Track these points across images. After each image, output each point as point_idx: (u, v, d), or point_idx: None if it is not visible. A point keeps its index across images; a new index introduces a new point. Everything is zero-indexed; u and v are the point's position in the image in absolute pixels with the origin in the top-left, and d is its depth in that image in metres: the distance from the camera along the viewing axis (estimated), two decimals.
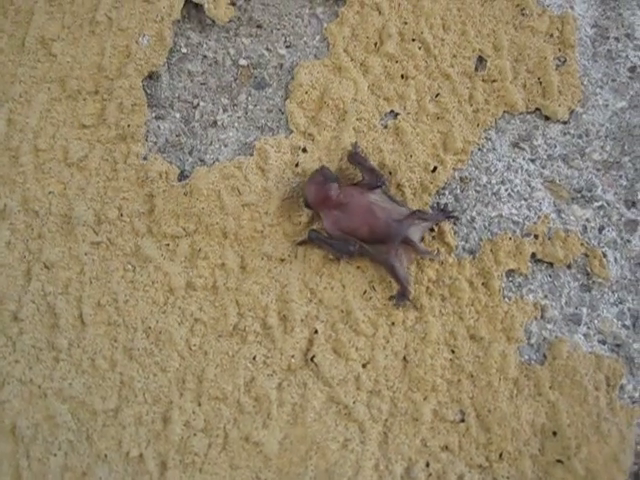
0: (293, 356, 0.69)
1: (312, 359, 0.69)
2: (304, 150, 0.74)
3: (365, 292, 0.71)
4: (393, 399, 0.69)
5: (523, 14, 0.80)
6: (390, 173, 0.74)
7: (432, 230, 0.73)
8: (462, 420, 0.68)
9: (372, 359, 0.69)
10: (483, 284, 0.72)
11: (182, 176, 0.74)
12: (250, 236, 0.72)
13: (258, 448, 0.67)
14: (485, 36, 0.79)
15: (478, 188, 0.74)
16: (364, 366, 0.69)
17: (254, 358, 0.69)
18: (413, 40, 0.78)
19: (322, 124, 0.75)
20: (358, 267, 0.71)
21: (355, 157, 0.73)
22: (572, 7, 0.81)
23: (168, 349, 0.70)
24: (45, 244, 0.73)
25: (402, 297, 0.70)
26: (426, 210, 0.72)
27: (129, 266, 0.72)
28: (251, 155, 0.75)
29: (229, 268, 0.71)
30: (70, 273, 0.72)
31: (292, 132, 0.75)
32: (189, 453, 0.67)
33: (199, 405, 0.68)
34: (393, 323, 0.70)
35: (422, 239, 0.71)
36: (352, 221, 0.68)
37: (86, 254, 0.73)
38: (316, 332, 0.70)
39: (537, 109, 0.77)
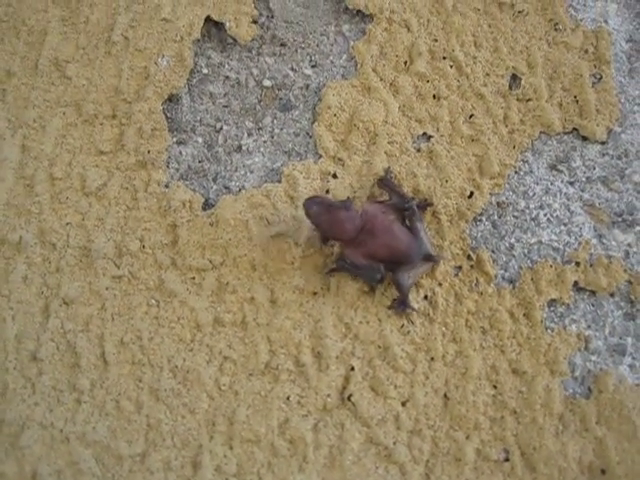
0: (329, 395, 0.66)
1: (349, 398, 0.66)
2: (334, 176, 0.71)
3: (402, 326, 0.68)
4: (434, 439, 0.65)
5: (556, 29, 0.77)
6: (425, 199, 0.70)
7: (469, 258, 0.70)
8: (506, 459, 0.65)
9: (412, 397, 0.66)
10: (524, 315, 0.68)
11: (207, 205, 0.71)
12: (280, 268, 0.69)
13: None
14: (518, 53, 0.76)
15: (516, 213, 0.71)
16: (403, 404, 0.66)
17: (288, 398, 0.66)
18: (444, 58, 0.75)
19: (352, 148, 0.72)
20: (395, 300, 0.68)
21: (385, 181, 0.70)
22: (606, 21, 0.78)
23: (196, 389, 0.66)
24: (64, 279, 0.69)
25: (401, 304, 0.67)
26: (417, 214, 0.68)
27: (153, 301, 0.69)
28: (279, 182, 0.71)
29: (259, 302, 0.68)
30: (91, 309, 0.69)
31: (321, 157, 0.72)
32: None
33: (231, 449, 0.65)
34: (432, 358, 0.67)
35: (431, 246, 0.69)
36: (372, 243, 0.66)
37: (107, 289, 0.69)
38: (352, 369, 0.66)
39: (574, 129, 0.74)
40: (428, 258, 0.67)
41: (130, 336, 0.68)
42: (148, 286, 0.69)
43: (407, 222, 0.67)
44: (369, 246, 0.66)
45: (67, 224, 0.71)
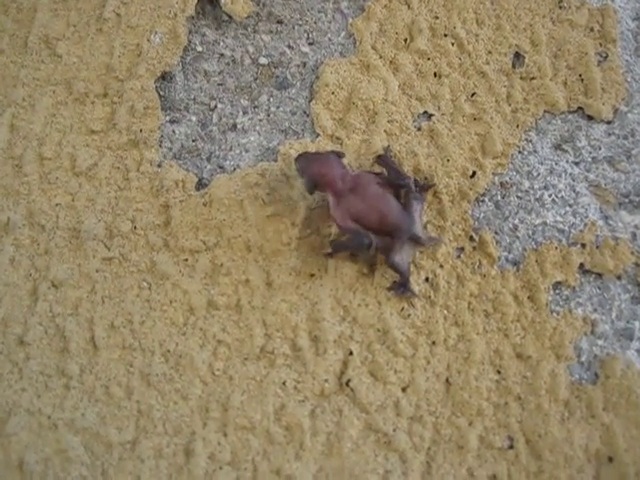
0: (326, 380, 0.64)
1: (347, 383, 0.64)
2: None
3: (403, 309, 0.65)
4: (436, 425, 0.63)
5: (561, 7, 0.75)
6: (426, 179, 0.68)
7: (472, 240, 0.67)
8: (511, 446, 0.63)
9: (412, 382, 0.64)
10: (529, 298, 0.66)
11: (200, 185, 0.69)
12: (276, 250, 0.66)
13: None
14: (522, 31, 0.74)
15: (520, 194, 0.69)
16: (404, 390, 0.64)
17: (284, 383, 0.64)
18: (445, 36, 0.73)
19: (351, 127, 0.70)
20: (395, 282, 0.66)
21: (383, 159, 0.67)
22: None
23: (189, 374, 0.64)
24: (52, 261, 0.67)
25: (401, 287, 0.65)
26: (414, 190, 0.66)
27: (144, 284, 0.66)
28: (275, 161, 0.69)
29: (254, 285, 0.66)
30: (80, 292, 0.66)
31: (318, 136, 0.70)
32: None
33: (225, 436, 0.63)
34: (434, 342, 0.65)
35: (425, 226, 0.67)
36: (363, 206, 0.63)
37: (97, 271, 0.67)
38: (351, 354, 0.64)
39: (579, 108, 0.72)
40: (415, 239, 0.64)
41: (121, 320, 0.65)
42: (140, 268, 0.67)
43: (402, 200, 0.65)
44: (359, 208, 0.63)
45: (56, 205, 0.69)
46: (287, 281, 0.66)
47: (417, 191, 0.66)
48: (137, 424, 0.63)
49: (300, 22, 0.74)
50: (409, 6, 0.74)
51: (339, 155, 0.64)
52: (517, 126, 0.71)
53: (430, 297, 0.66)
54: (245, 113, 0.71)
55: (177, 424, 0.63)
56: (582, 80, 0.72)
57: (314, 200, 0.67)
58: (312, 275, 0.66)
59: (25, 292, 0.67)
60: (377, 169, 0.68)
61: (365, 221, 0.63)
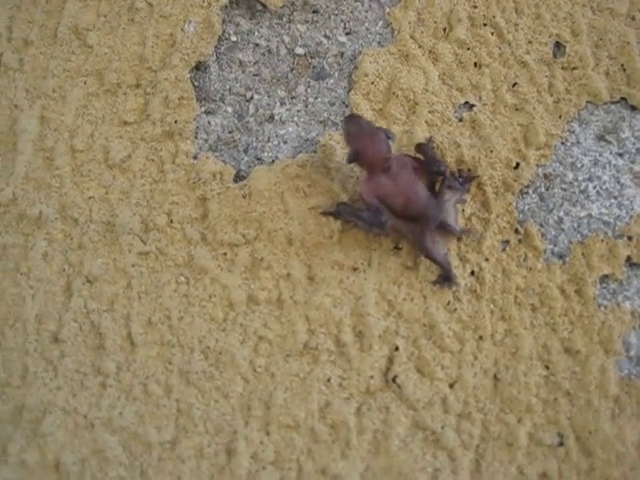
0: (372, 377, 0.62)
1: (394, 380, 0.62)
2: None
3: (449, 303, 0.64)
4: (484, 422, 0.61)
5: None
6: (469, 170, 0.67)
7: (517, 232, 0.66)
8: (561, 444, 0.61)
9: (460, 378, 0.62)
10: (576, 291, 0.65)
11: (238, 177, 0.67)
12: (318, 243, 0.65)
13: None
14: (561, 20, 0.72)
15: (564, 186, 0.68)
16: (451, 386, 0.62)
17: (328, 380, 0.62)
18: (485, 25, 0.72)
19: (391, 117, 0.68)
20: (440, 275, 0.64)
21: (423, 147, 0.66)
22: None
23: (230, 372, 0.62)
24: (87, 255, 0.65)
25: (446, 280, 0.64)
26: (452, 180, 0.65)
27: (182, 278, 0.64)
28: (314, 152, 0.67)
29: (295, 279, 0.64)
30: (116, 288, 0.64)
31: None
32: None
33: (267, 434, 0.61)
34: (481, 337, 0.63)
35: (457, 219, 0.65)
36: (391, 187, 0.62)
37: (133, 266, 0.65)
38: (397, 349, 0.62)
39: (622, 98, 0.70)
40: (445, 227, 0.63)
41: (158, 316, 0.64)
42: (177, 262, 0.65)
43: (436, 188, 0.64)
44: (387, 189, 0.62)
45: (90, 198, 0.67)
46: (330, 275, 0.64)
47: (460, 182, 0.65)
48: (177, 423, 0.61)
49: (336, 12, 0.72)
50: None
51: (388, 136, 0.62)
52: (559, 117, 0.69)
53: (476, 291, 0.64)
54: (282, 104, 0.69)
55: (218, 423, 0.61)
56: (624, 70, 0.71)
57: (355, 191, 0.65)
58: (355, 269, 0.64)
59: (59, 288, 0.65)
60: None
61: (390, 202, 0.62)
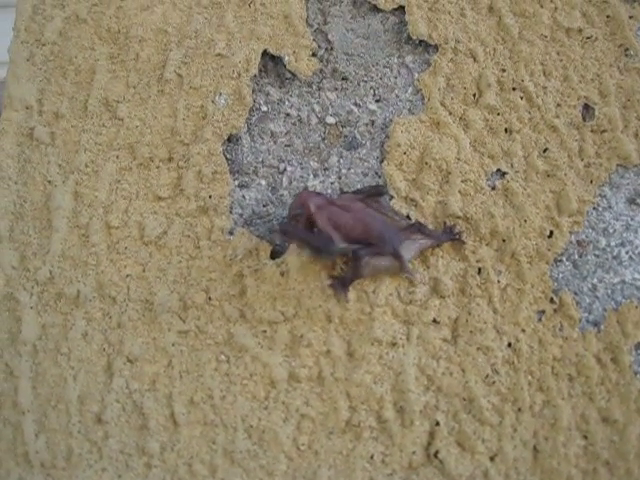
0: (414, 452, 0.63)
1: (435, 454, 0.63)
2: (408, 218, 0.68)
3: (487, 376, 0.64)
4: None
5: (627, 55, 0.74)
6: (504, 241, 0.67)
7: (552, 302, 0.66)
8: None
9: (500, 451, 0.63)
10: (612, 360, 0.65)
11: (274, 252, 0.67)
12: (357, 319, 0.65)
13: None
14: (589, 81, 0.73)
15: (597, 252, 0.68)
16: (492, 459, 0.63)
17: (371, 457, 0.63)
18: (514, 89, 0.72)
19: (425, 188, 0.69)
20: (478, 348, 0.65)
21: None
22: None
23: (274, 450, 0.63)
24: (126, 334, 0.66)
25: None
26: (428, 226, 0.66)
27: (223, 357, 0.65)
28: None
29: (335, 356, 0.64)
30: (157, 367, 0.65)
31: (392, 198, 0.68)
32: None
33: None
34: (520, 409, 0.64)
35: (417, 257, 0.66)
36: (348, 217, 0.63)
37: (173, 345, 0.65)
38: (437, 424, 0.63)
39: None
40: (396, 255, 0.63)
41: (200, 395, 0.64)
42: (217, 341, 0.65)
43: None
44: (345, 219, 0.63)
45: (127, 276, 0.67)
46: (369, 351, 0.64)
47: (440, 234, 0.66)
48: None
49: (365, 78, 0.72)
50: (475, 59, 0.73)
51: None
52: (591, 181, 0.70)
53: (513, 363, 0.65)
54: (316, 176, 0.70)
55: None
56: None
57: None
58: (394, 344, 0.65)
59: (100, 368, 0.65)
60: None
61: (348, 231, 0.62)
